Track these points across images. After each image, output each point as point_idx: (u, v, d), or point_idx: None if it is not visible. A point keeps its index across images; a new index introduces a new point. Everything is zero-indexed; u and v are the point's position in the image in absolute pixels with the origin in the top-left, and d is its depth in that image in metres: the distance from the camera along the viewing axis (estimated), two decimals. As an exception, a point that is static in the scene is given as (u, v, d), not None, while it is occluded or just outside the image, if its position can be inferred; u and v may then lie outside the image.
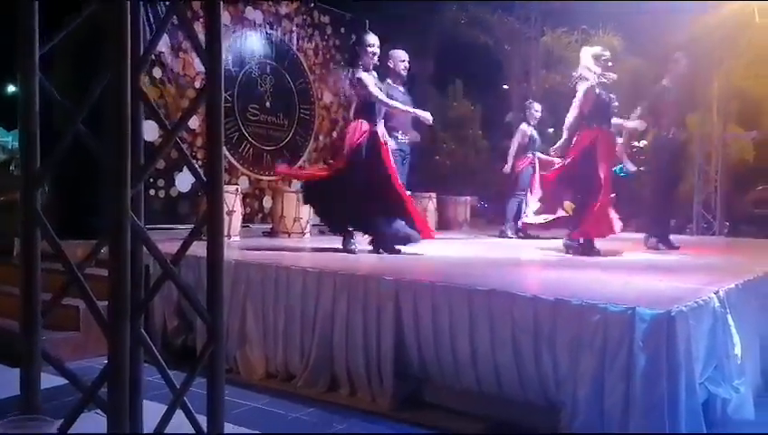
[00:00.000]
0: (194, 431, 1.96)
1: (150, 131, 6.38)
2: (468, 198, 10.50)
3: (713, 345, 3.34)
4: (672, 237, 6.50)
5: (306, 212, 6.78)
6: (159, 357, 1.93)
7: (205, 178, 1.89)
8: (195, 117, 6.99)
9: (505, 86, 14.36)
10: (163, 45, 6.71)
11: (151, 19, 6.12)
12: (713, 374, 3.39)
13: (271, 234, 6.89)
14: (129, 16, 1.64)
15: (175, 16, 1.96)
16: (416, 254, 5.26)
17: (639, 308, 2.98)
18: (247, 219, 7.60)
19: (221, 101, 1.83)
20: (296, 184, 8.08)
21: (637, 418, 2.94)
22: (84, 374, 4.16)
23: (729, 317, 3.48)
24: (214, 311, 1.89)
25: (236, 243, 6.05)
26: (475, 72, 14.18)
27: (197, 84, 6.90)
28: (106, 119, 1.73)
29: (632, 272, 4.40)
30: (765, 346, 4.25)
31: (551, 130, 16.12)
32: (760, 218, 10.45)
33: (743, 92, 12.40)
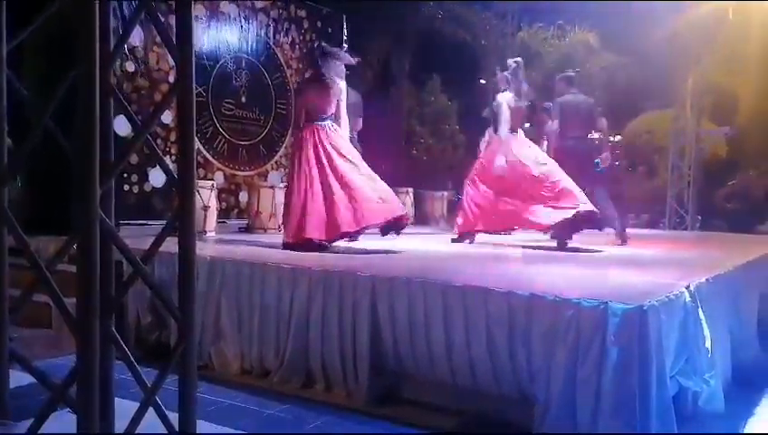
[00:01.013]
0: (166, 431, 1.94)
1: (124, 126, 6.33)
2: (445, 192, 10.54)
3: (684, 339, 3.39)
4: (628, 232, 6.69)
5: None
6: (131, 355, 1.91)
7: (176, 175, 1.87)
8: (168, 112, 6.90)
9: (482, 81, 14.42)
10: (136, 39, 6.62)
11: (126, 13, 6.03)
12: (684, 367, 3.44)
13: (247, 229, 6.85)
14: (97, 12, 1.61)
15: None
16: (392, 251, 5.27)
17: (612, 303, 3.01)
18: (223, 215, 7.54)
19: (192, 99, 1.82)
20: (272, 178, 8.06)
21: (608, 410, 2.98)
22: (57, 372, 4.12)
23: (700, 311, 3.54)
24: (185, 309, 1.87)
25: (212, 239, 6.00)
26: (452, 68, 14.21)
27: (171, 78, 6.82)
28: (76, 114, 1.70)
29: (607, 267, 4.45)
30: (735, 340, 4.34)
31: (527, 125, 16.29)
32: (731, 213, 10.63)
33: (717, 88, 12.59)
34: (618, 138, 16.61)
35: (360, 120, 6.76)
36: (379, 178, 5.20)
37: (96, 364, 1.70)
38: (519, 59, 6.53)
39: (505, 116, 6.10)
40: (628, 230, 6.82)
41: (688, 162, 9.64)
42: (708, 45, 11.06)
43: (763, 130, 12.67)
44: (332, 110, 5.29)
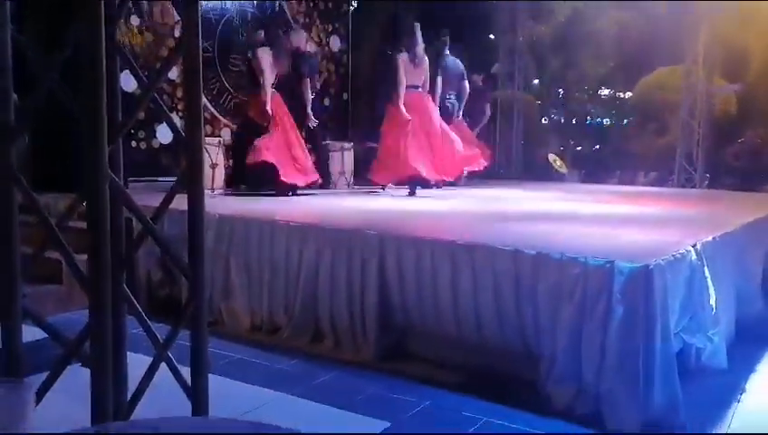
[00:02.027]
0: (179, 385, 1.99)
1: (130, 82, 6.28)
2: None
3: (689, 297, 3.41)
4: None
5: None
6: (143, 312, 1.94)
7: (183, 133, 1.87)
8: (174, 67, 6.86)
9: (491, 36, 14.18)
10: (140, -7, 6.53)
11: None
12: (688, 324, 3.47)
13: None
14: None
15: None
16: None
17: (618, 262, 3.03)
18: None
19: (199, 59, 1.80)
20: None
21: (612, 366, 3.03)
22: (69, 327, 4.20)
23: (705, 269, 3.55)
24: (195, 267, 1.89)
25: (220, 196, 6.02)
26: (461, 24, 13.96)
27: (176, 33, 6.74)
28: (82, 72, 1.70)
29: (613, 226, 4.45)
30: (740, 296, 4.36)
31: (536, 81, 16.05)
32: (740, 171, 10.53)
33: (729, 43, 12.33)
34: (628, 95, 16.42)
35: None
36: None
37: (109, 321, 1.73)
38: (417, 23, 7.08)
39: (400, 75, 6.43)
40: (637, 187, 6.80)
41: (698, 119, 9.51)
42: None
43: (775, 86, 12.46)
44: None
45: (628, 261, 3.05)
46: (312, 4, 8.57)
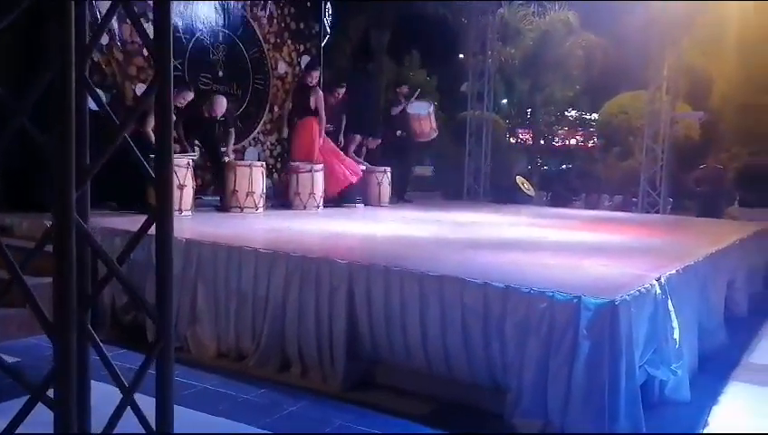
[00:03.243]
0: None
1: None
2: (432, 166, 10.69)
3: (653, 330, 3.47)
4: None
5: (260, 186, 6.71)
6: (109, 358, 1.90)
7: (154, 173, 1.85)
8: (143, 85, 6.79)
9: (461, 55, 14.37)
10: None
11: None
12: (652, 357, 3.54)
13: (222, 208, 6.80)
14: (72, 11, 1.57)
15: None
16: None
17: (585, 297, 3.07)
18: (199, 191, 7.47)
19: (170, 109, 1.79)
20: (249, 155, 7.98)
21: (578, 400, 3.07)
22: (33, 352, 4.11)
23: (669, 303, 3.62)
24: (163, 308, 1.86)
25: (188, 218, 5.94)
26: (431, 44, 14.15)
27: (146, 51, 6.68)
28: (52, 115, 1.67)
29: (579, 256, 4.51)
30: (702, 327, 4.45)
31: (504, 101, 16.30)
32: (701, 196, 10.81)
33: (693, 71, 12.71)
34: (594, 116, 16.77)
35: None
36: None
37: (74, 369, 1.70)
38: None
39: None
40: (602, 212, 6.95)
41: (662, 145, 9.74)
42: (686, 28, 11.12)
43: (735, 114, 12.88)
44: None
45: (595, 296, 3.10)
46: (283, 25, 8.58)
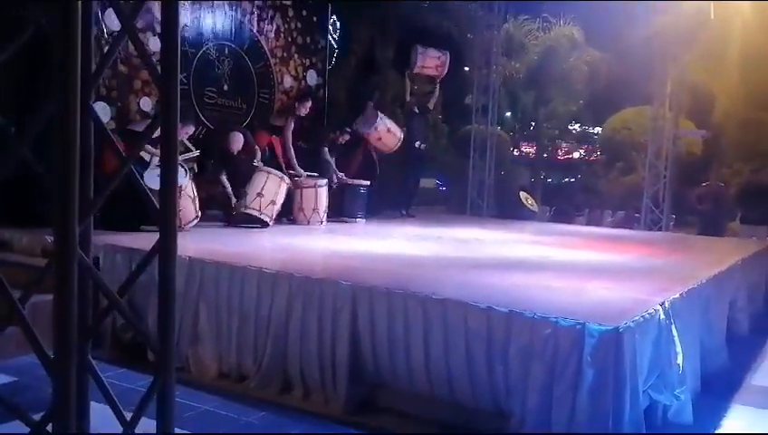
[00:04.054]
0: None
1: (102, 113, 6.20)
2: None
3: (657, 356, 3.45)
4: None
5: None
6: (110, 390, 1.89)
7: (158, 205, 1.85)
8: (148, 99, 6.80)
9: (466, 68, 14.40)
10: (115, 24, 6.46)
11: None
12: (655, 382, 3.51)
13: (228, 223, 6.80)
14: (79, 50, 1.57)
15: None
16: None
17: (589, 324, 3.06)
18: (203, 205, 7.46)
19: (176, 131, 1.79)
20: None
21: (582, 427, 3.04)
22: (30, 371, 4.09)
23: (673, 328, 3.60)
24: (165, 340, 1.85)
25: (190, 234, 5.93)
26: (436, 57, 14.15)
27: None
28: (55, 147, 1.67)
29: (583, 278, 4.49)
30: (705, 349, 4.43)
31: (508, 114, 16.32)
32: (703, 213, 10.80)
33: (695, 87, 12.73)
34: (597, 130, 16.79)
35: None
36: None
37: (73, 402, 1.68)
38: None
39: None
40: (605, 229, 6.93)
41: (665, 162, 9.73)
42: (688, 45, 11.15)
43: (737, 131, 12.88)
44: None
45: (598, 322, 3.08)
46: (290, 39, 8.60)
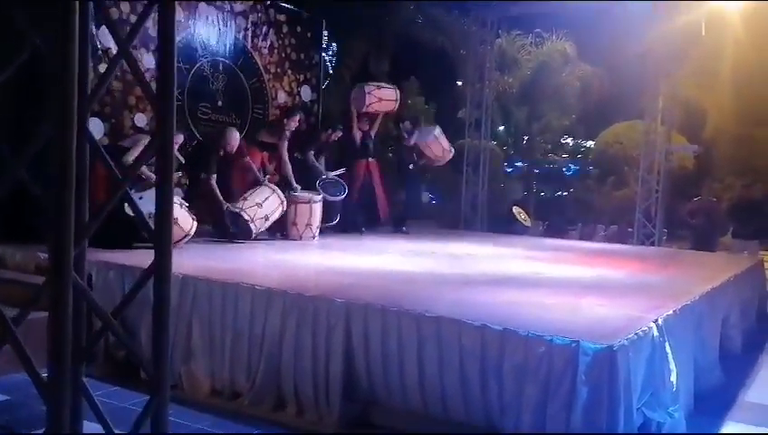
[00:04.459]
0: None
1: (97, 129, 6.21)
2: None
3: (650, 374, 3.45)
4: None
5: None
6: (102, 410, 1.88)
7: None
8: (143, 115, 6.81)
9: (459, 82, 14.49)
10: (110, 41, 6.48)
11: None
12: (649, 400, 3.51)
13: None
14: (75, 73, 1.58)
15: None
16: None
17: (583, 342, 3.06)
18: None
19: (172, 149, 1.79)
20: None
21: (576, 446, 3.04)
22: (22, 389, 4.06)
23: (667, 345, 3.61)
24: (159, 363, 1.85)
25: (182, 250, 5.90)
26: (430, 72, 14.25)
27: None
28: (51, 170, 1.67)
29: (576, 294, 4.50)
30: (698, 366, 4.43)
31: (501, 128, 16.40)
32: (695, 228, 10.85)
33: (687, 102, 12.85)
34: (590, 143, 16.89)
35: None
36: None
37: (67, 425, 1.67)
38: None
39: None
40: (598, 244, 6.97)
41: (657, 176, 9.79)
42: (680, 61, 11.26)
43: (729, 145, 13.00)
44: None
45: (593, 341, 3.09)
46: (283, 55, 8.64)
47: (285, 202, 6.99)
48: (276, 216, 6.87)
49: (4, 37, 2.93)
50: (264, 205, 6.65)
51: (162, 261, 1.78)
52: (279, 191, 6.92)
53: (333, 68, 11.29)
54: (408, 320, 3.53)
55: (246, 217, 6.52)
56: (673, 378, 3.62)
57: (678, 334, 3.90)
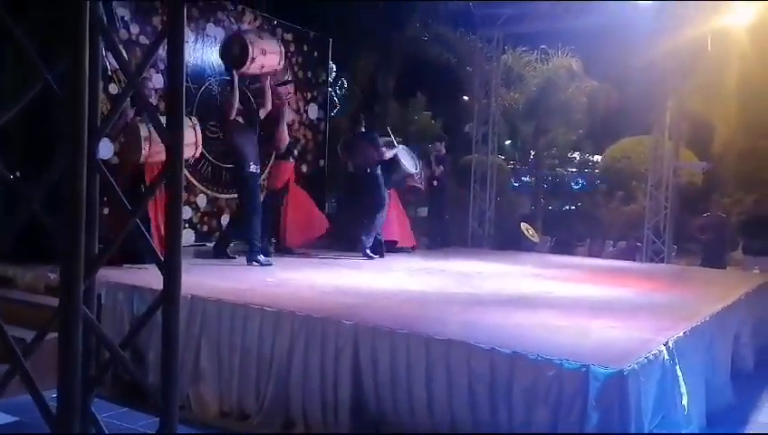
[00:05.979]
0: None
1: (106, 149, 6.24)
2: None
3: (661, 397, 3.42)
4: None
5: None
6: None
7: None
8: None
9: (465, 97, 14.54)
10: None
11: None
12: (660, 422, 3.47)
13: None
14: (86, 108, 1.59)
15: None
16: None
17: (593, 366, 3.04)
18: (204, 237, 7.50)
19: (181, 185, 1.80)
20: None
21: (587, 470, 3.01)
22: (32, 411, 4.06)
23: (677, 368, 3.59)
24: (168, 392, 1.85)
25: (192, 269, 5.90)
26: (436, 88, 14.33)
27: (153, 101, 6.75)
28: (63, 202, 1.68)
29: (586, 315, 4.47)
30: (710, 387, 4.38)
31: (508, 142, 16.43)
32: (704, 244, 10.77)
33: (694, 117, 12.83)
34: (597, 158, 16.87)
35: None
36: None
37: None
38: None
39: None
40: (607, 261, 6.88)
41: (665, 191, 9.75)
42: (686, 76, 11.24)
43: (737, 160, 12.94)
44: None
45: (603, 364, 3.07)
46: (290, 74, 8.69)
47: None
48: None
49: (20, 62, 2.96)
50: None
51: (171, 284, 1.78)
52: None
53: (340, 106, 11.35)
54: (417, 342, 3.52)
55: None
56: (684, 401, 3.59)
57: (689, 356, 3.87)
